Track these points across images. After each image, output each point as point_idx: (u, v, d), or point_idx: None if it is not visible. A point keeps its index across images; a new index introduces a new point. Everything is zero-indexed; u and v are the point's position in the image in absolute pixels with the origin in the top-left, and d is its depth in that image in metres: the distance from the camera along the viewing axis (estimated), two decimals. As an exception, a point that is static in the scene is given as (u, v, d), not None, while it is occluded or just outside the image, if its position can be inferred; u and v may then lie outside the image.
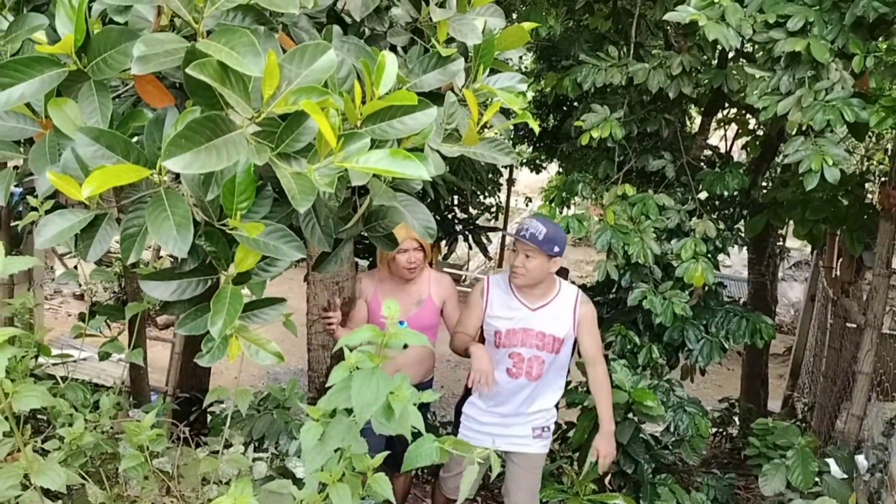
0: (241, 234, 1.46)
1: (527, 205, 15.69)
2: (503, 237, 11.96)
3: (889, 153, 6.84)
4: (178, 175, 1.55)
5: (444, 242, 5.93)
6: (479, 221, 6.52)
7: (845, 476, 3.37)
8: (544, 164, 9.21)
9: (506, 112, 2.02)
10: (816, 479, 3.19)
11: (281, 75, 1.27)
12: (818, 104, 2.87)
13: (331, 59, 1.33)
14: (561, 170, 8.37)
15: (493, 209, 8.66)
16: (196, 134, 1.21)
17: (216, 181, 1.39)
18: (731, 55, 4.10)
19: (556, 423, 3.49)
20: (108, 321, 3.29)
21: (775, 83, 3.03)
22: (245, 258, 1.53)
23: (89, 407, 2.00)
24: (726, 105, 5.02)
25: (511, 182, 11.78)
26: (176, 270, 1.55)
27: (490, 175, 7.24)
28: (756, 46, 3.53)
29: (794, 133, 3.05)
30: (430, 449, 1.51)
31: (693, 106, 5.08)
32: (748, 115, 5.46)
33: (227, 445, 2.55)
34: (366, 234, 1.94)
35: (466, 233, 5.91)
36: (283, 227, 1.51)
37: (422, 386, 3.51)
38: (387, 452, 1.71)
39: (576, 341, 3.32)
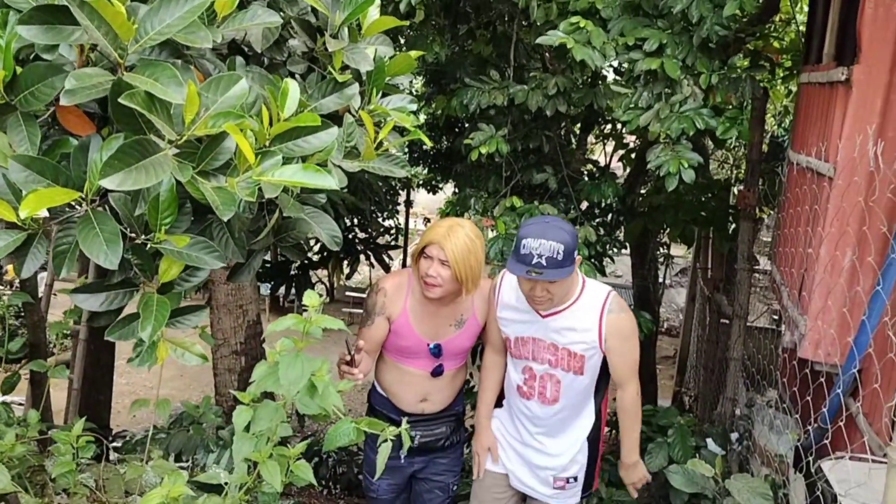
0: (167, 247, 1.62)
1: (425, 225, 16.05)
2: (404, 256, 11.88)
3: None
4: (102, 196, 1.70)
5: (345, 262, 6.12)
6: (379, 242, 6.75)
7: (722, 451, 3.74)
8: (440, 185, 9.52)
9: (400, 130, 2.25)
10: (695, 453, 3.53)
11: (199, 102, 1.46)
12: (674, 115, 3.25)
13: (243, 88, 1.53)
14: (456, 189, 8.71)
15: (393, 230, 8.91)
16: (127, 156, 1.38)
17: (143, 198, 1.55)
18: (606, 75, 4.50)
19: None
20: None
21: (637, 98, 3.40)
22: (169, 269, 1.70)
23: (13, 424, 2.08)
24: (601, 121, 5.44)
25: (409, 203, 12.05)
26: (105, 283, 1.69)
27: (388, 196, 7.47)
28: (616, 67, 3.91)
29: (653, 142, 3.41)
30: (348, 430, 1.70)
31: (576, 124, 5.46)
32: (623, 130, 5.92)
33: (147, 460, 2.65)
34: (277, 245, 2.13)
35: (368, 252, 6.10)
36: (204, 239, 1.68)
37: (448, 412, 2.92)
38: (310, 439, 1.88)
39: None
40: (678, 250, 11.81)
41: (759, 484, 2.56)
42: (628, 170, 6.16)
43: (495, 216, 4.20)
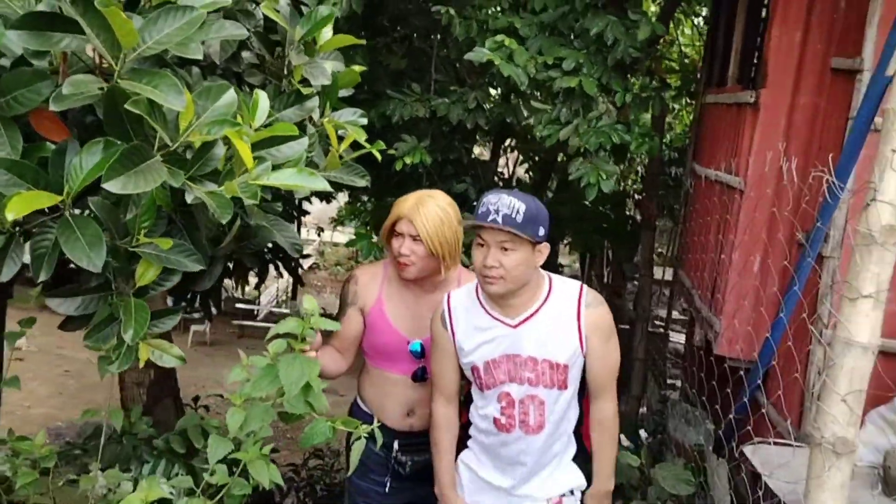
0: (147, 250, 1.64)
1: (318, 234, 15.95)
2: (296, 266, 11.66)
3: (640, 175, 8.03)
4: (78, 201, 1.70)
5: (252, 272, 6.03)
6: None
7: (632, 445, 3.98)
8: (334, 194, 9.51)
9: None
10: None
11: (194, 110, 1.50)
12: (591, 130, 3.47)
13: (232, 97, 1.58)
14: (349, 198, 8.82)
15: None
16: (127, 161, 1.41)
17: (133, 202, 1.56)
18: (515, 92, 4.70)
19: None
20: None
21: (556, 114, 3.61)
22: (146, 272, 1.71)
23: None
24: (512, 134, 5.67)
25: (302, 212, 11.88)
26: (81, 287, 1.69)
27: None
28: (535, 84, 4.12)
29: (573, 155, 3.63)
30: (324, 428, 1.76)
31: (484, 136, 5.66)
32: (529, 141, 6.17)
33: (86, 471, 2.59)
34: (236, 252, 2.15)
35: (277, 262, 6.05)
36: (183, 242, 1.71)
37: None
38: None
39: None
40: (563, 259, 12.27)
41: (682, 472, 2.77)
42: (532, 179, 6.41)
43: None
